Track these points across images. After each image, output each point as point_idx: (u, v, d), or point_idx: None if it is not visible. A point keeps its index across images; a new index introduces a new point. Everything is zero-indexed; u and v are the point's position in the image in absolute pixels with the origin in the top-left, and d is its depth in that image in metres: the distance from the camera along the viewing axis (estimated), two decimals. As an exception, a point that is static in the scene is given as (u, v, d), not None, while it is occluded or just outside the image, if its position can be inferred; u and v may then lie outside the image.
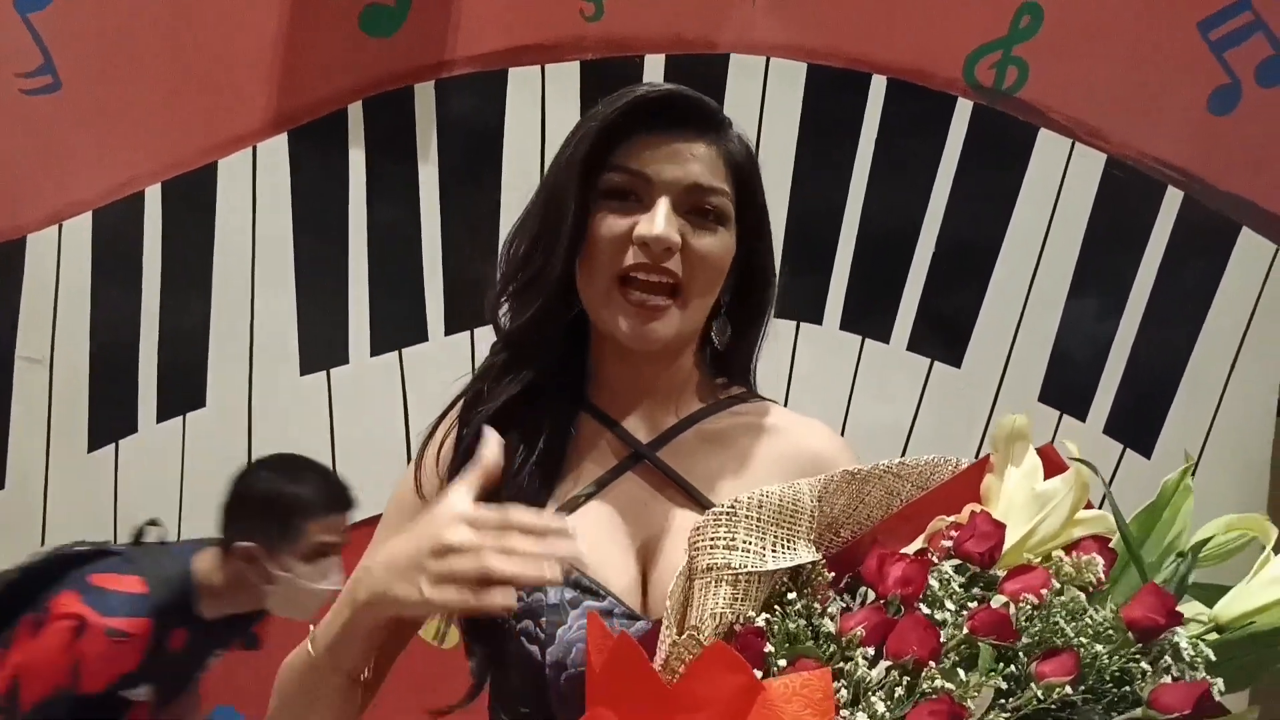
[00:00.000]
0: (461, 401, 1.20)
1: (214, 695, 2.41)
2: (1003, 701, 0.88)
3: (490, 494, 1.12)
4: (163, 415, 2.41)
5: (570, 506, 1.16)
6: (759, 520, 0.97)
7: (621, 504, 1.17)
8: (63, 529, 2.41)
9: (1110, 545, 1.03)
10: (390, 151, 2.39)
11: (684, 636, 0.93)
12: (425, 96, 2.38)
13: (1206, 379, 2.45)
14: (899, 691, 0.88)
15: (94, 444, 2.41)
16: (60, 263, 2.39)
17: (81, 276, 2.39)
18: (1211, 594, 1.02)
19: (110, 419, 2.42)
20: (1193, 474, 1.04)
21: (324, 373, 2.41)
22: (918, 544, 1.02)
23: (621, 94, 1.15)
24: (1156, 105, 2.42)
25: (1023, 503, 1.03)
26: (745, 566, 0.95)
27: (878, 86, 2.41)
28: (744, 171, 1.17)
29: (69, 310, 2.39)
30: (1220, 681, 0.93)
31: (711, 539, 0.96)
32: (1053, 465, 1.06)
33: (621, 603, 1.12)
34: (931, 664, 0.88)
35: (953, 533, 0.99)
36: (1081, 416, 2.42)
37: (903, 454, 1.04)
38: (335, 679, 1.09)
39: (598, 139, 1.12)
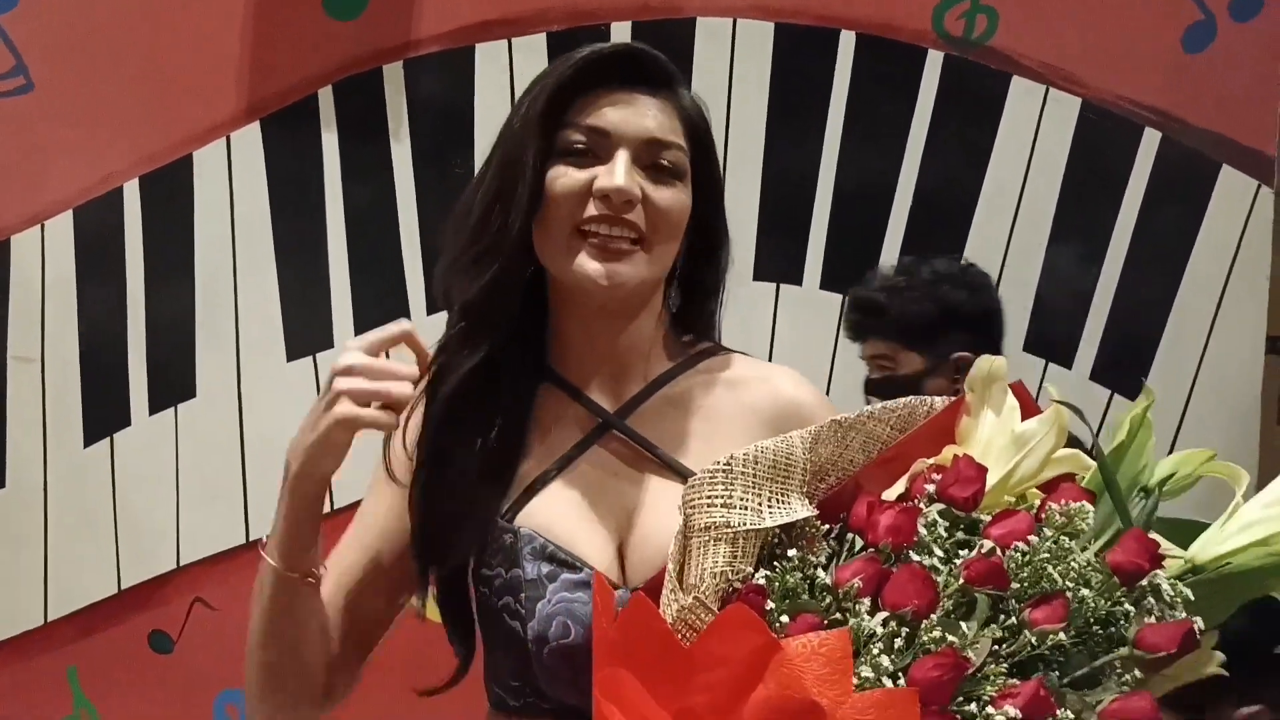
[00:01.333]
0: (426, 379, 1.20)
1: (221, 680, 2.43)
2: (996, 648, 0.89)
3: (462, 467, 1.14)
4: (154, 407, 2.43)
5: (542, 481, 1.16)
6: (754, 476, 0.97)
7: (593, 475, 1.16)
8: (63, 526, 2.44)
9: (1084, 485, 1.03)
10: (363, 134, 2.39)
11: (690, 599, 0.94)
12: (394, 77, 2.38)
13: (1192, 320, 2.43)
14: (898, 643, 0.88)
15: (89, 439, 2.43)
16: (44, 262, 2.40)
17: (66, 274, 2.40)
18: (1170, 528, 1.02)
19: (104, 414, 2.43)
20: (1181, 416, 1.04)
21: (310, 358, 2.42)
22: (899, 487, 1.02)
23: (575, 53, 1.15)
24: (1129, 46, 2.40)
25: (1003, 444, 1.03)
26: (744, 524, 0.95)
27: (846, 42, 2.39)
28: (698, 128, 1.17)
29: (56, 308, 2.40)
30: (1200, 620, 0.93)
31: (709, 498, 0.96)
32: (1026, 405, 1.06)
33: (599, 574, 1.12)
34: (932, 616, 0.89)
35: (934, 475, 1.00)
36: (1068, 364, 2.41)
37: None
38: (290, 582, 1.09)
39: (553, 97, 1.12)
